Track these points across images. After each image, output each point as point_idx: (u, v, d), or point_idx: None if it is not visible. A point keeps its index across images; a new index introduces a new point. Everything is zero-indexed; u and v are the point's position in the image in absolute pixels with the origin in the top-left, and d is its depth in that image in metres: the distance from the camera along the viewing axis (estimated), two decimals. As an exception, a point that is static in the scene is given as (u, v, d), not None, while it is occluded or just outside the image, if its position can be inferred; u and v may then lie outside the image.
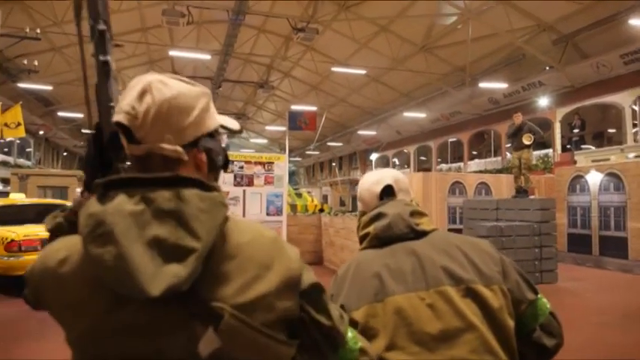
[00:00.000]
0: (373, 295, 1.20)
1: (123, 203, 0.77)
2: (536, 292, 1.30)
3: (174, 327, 0.74)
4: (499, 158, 19.87)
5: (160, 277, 0.71)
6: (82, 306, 0.77)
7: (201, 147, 0.88)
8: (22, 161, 27.10)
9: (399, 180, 1.45)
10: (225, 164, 0.95)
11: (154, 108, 0.83)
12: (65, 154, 36.54)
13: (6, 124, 7.51)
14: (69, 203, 7.18)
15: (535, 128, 9.79)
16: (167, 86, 0.85)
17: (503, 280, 1.25)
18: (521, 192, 9.81)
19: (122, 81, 26.03)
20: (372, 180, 1.46)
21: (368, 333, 1.15)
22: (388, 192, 1.41)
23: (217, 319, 0.74)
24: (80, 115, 26.50)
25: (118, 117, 0.84)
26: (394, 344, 1.14)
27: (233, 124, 0.99)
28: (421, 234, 1.30)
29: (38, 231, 7.47)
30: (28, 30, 11.19)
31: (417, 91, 23.22)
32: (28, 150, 29.87)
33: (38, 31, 11.77)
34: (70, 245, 0.83)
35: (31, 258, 7.04)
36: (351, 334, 1.00)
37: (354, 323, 1.15)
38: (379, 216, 1.33)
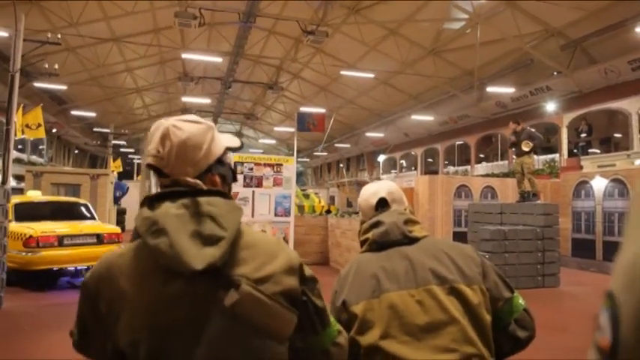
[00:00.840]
0: (371, 293, 1.42)
1: (168, 208, 1.05)
2: (512, 291, 1.52)
3: (207, 294, 1.01)
4: (506, 162, 19.95)
5: (201, 256, 0.99)
6: (141, 286, 1.03)
7: (214, 172, 1.16)
8: (34, 158, 27.54)
9: (392, 192, 1.67)
10: (234, 178, 1.26)
11: (174, 149, 1.10)
12: (76, 151, 37.05)
13: (27, 125, 7.79)
14: (82, 201, 7.45)
15: (535, 134, 9.91)
16: (181, 130, 1.11)
17: (483, 280, 1.46)
18: (530, 196, 9.91)
19: (134, 80, 26.44)
20: (369, 192, 1.69)
21: (366, 324, 1.38)
22: (383, 203, 1.64)
23: (237, 287, 1.01)
24: (92, 114, 26.93)
25: (149, 160, 1.12)
26: (388, 334, 1.35)
27: (234, 142, 1.29)
28: (414, 240, 1.52)
29: (55, 227, 7.73)
30: (49, 35, 11.49)
31: (425, 94, 23.36)
32: (40, 147, 30.36)
33: (59, 36, 12.04)
34: (116, 255, 1.12)
35: (48, 253, 7.32)
36: (332, 317, 1.23)
37: (354, 316, 1.40)
38: (377, 224, 1.56)
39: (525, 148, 9.76)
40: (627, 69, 14.27)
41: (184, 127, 1.12)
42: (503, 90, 17.97)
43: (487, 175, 17.88)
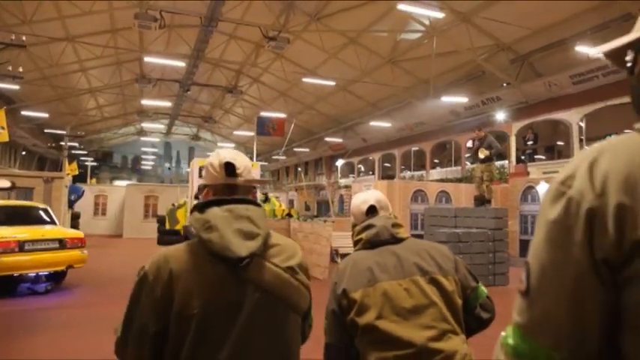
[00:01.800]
0: (367, 282, 1.76)
1: (216, 211, 1.39)
2: (477, 282, 1.94)
3: (247, 276, 1.36)
4: (459, 168, 20.86)
5: (244, 246, 1.34)
6: (194, 272, 1.35)
7: (254, 190, 1.61)
8: (-21, 160, 26.21)
9: (380, 200, 2.01)
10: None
11: (243, 163, 1.53)
12: (24, 153, 35.48)
13: (-11, 128, 7.56)
14: (41, 205, 7.43)
15: (494, 143, 10.28)
16: (242, 155, 1.57)
17: (455, 272, 1.85)
18: (483, 201, 10.29)
19: (88, 81, 25.69)
20: (360, 200, 2.03)
21: (363, 307, 1.72)
22: (372, 210, 1.97)
23: (269, 269, 1.41)
24: (44, 115, 25.93)
25: (228, 160, 1.49)
26: (381, 315, 1.70)
27: (259, 178, 1.76)
28: (400, 240, 1.88)
29: (14, 232, 7.56)
30: (13, 37, 11.11)
31: (383, 102, 24.06)
32: (-15, 148, 28.91)
33: (24, 38, 11.66)
34: (172, 249, 1.44)
35: (8, 259, 7.17)
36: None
37: (353, 301, 1.74)
38: (369, 226, 1.90)
39: (481, 155, 10.22)
40: (569, 83, 15.35)
41: (243, 157, 1.57)
42: (456, 99, 18.83)
43: (442, 180, 18.67)
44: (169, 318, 1.30)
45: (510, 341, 0.83)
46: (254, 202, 1.47)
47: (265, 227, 1.43)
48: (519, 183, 13.68)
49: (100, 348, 5.10)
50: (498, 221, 9.51)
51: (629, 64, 0.83)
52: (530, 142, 17.73)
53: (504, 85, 18.15)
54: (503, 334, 0.85)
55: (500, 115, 18.52)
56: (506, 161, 18.16)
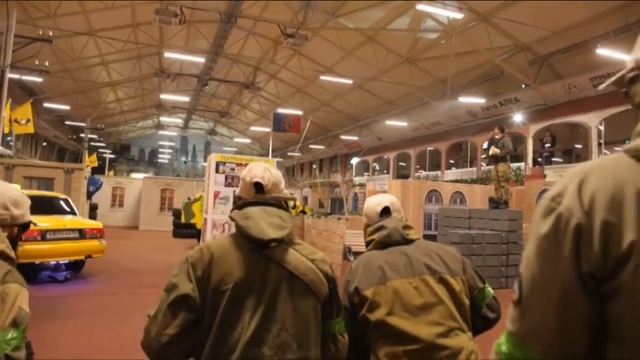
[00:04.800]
0: (378, 280, 1.85)
1: (253, 209, 1.63)
2: (484, 282, 2.01)
3: (276, 261, 1.58)
4: (474, 169, 20.72)
5: (273, 232, 1.57)
6: (231, 256, 1.57)
7: (283, 200, 1.75)
8: (1, 149, 26.82)
9: (393, 203, 2.12)
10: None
11: (272, 180, 1.72)
12: (45, 144, 36.15)
13: (16, 120, 7.76)
14: (62, 195, 7.61)
15: (507, 143, 10.20)
16: (272, 171, 1.76)
17: (463, 273, 1.93)
18: (498, 203, 10.18)
19: (108, 74, 26.08)
20: (375, 202, 2.13)
21: (374, 304, 1.82)
22: (386, 211, 2.07)
23: (295, 258, 1.62)
24: (65, 107, 26.41)
25: (257, 179, 1.70)
26: (392, 312, 1.79)
27: (284, 195, 1.82)
28: (410, 241, 1.97)
29: (37, 222, 7.75)
30: (40, 32, 11.37)
31: (399, 100, 24.01)
32: (8, 139, 29.53)
33: (50, 33, 11.92)
34: (215, 240, 1.73)
35: (30, 247, 7.39)
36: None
37: (365, 298, 1.84)
38: (381, 228, 2.00)
39: (490, 152, 10.18)
40: (589, 85, 15.15)
41: (273, 170, 1.76)
42: (474, 100, 18.72)
43: (456, 181, 18.57)
44: (207, 294, 1.52)
45: (504, 349, 0.88)
46: (284, 207, 1.71)
47: (292, 224, 1.66)
48: (535, 186, 13.58)
49: (118, 335, 5.26)
50: (512, 223, 9.47)
51: (623, 89, 0.92)
52: (547, 145, 17.55)
53: (522, 86, 17.99)
54: (497, 341, 0.90)
55: (518, 117, 18.36)
56: (523, 163, 18.00)
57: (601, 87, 1.07)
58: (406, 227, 1.99)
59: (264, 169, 1.72)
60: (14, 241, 1.81)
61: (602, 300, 0.79)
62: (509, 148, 10.17)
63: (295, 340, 1.53)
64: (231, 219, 1.65)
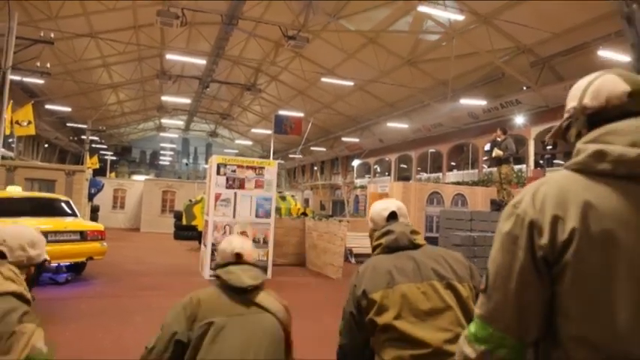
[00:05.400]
0: (386, 284, 1.82)
1: (233, 267, 2.10)
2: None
3: (250, 298, 2.00)
4: (476, 171, 20.71)
5: (250, 281, 2.04)
6: (217, 298, 2.01)
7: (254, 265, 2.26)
8: (4, 151, 26.84)
9: (400, 208, 2.12)
10: None
11: (248, 252, 2.17)
12: (46, 146, 36.20)
13: (17, 122, 7.76)
14: (64, 197, 7.59)
15: (510, 145, 10.12)
16: (247, 242, 2.24)
17: (471, 279, 1.90)
18: (500, 205, 10.11)
19: (109, 76, 26.12)
20: (381, 207, 2.12)
21: (382, 308, 1.79)
22: (393, 216, 2.08)
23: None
24: (67, 109, 26.45)
25: (237, 250, 2.14)
26: (399, 315, 1.77)
27: (255, 262, 2.26)
28: (417, 246, 1.96)
29: (38, 224, 7.74)
30: (42, 34, 11.38)
31: (400, 102, 24.01)
32: (10, 140, 29.57)
33: (52, 35, 11.93)
34: (202, 290, 2.10)
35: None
36: None
37: (372, 301, 1.81)
38: (389, 232, 1.98)
39: (493, 155, 10.14)
40: (591, 87, 15.12)
41: (249, 242, 2.23)
42: (475, 102, 18.71)
43: (458, 183, 18.55)
44: (193, 328, 1.88)
45: (472, 330, 1.08)
46: (256, 267, 2.15)
47: (263, 279, 2.10)
48: (537, 188, 13.52)
49: (119, 337, 5.24)
50: (514, 226, 9.40)
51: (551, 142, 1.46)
52: (549, 147, 17.53)
53: (524, 88, 17.98)
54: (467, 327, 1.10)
55: (520, 119, 18.35)
56: (524, 165, 17.97)
57: (547, 144, 1.35)
58: (413, 232, 1.99)
59: (242, 242, 2.19)
60: (32, 282, 1.91)
61: (552, 281, 1.00)
62: (513, 150, 10.09)
63: None
64: (216, 276, 2.05)
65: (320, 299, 7.93)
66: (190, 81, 27.12)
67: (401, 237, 1.95)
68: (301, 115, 22.19)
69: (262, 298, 2.02)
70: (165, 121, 40.14)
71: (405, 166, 28.89)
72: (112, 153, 41.92)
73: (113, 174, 33.16)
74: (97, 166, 24.45)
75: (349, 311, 1.87)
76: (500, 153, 9.83)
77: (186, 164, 53.33)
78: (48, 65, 15.53)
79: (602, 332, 0.94)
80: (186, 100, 29.47)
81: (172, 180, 26.66)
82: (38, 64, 14.70)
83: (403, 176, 27.22)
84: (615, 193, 0.98)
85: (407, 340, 1.73)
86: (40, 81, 19.21)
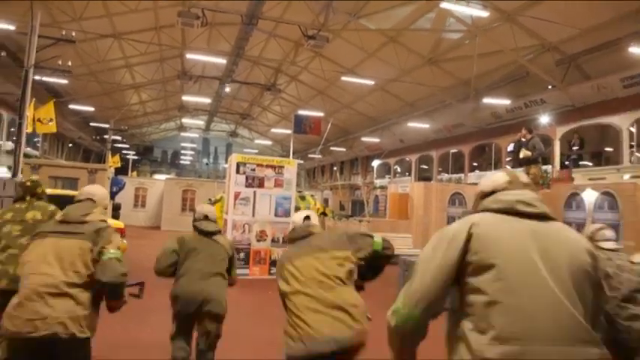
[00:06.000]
0: (286, 261, 2.76)
1: (203, 221, 4.14)
2: (372, 236, 2.82)
3: (213, 238, 3.96)
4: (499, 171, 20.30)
5: (212, 228, 4.07)
6: (193, 237, 4.03)
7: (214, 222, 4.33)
8: (29, 150, 27.43)
9: (311, 215, 3.09)
10: None
11: (211, 213, 4.23)
12: (70, 145, 36.88)
13: (39, 120, 7.85)
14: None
15: (538, 145, 9.81)
16: (211, 208, 4.33)
17: (350, 244, 2.72)
18: None
19: (132, 76, 26.45)
20: (300, 216, 3.07)
21: (285, 277, 2.67)
22: (307, 218, 3.03)
23: None
24: (90, 109, 26.86)
25: (204, 213, 4.09)
26: (291, 283, 2.65)
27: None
28: (311, 233, 2.89)
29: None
30: (64, 32, 11.55)
31: (421, 102, 23.69)
32: (35, 140, 30.21)
33: (74, 34, 12.10)
34: (186, 234, 4.09)
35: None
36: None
37: (289, 272, 2.68)
38: (293, 230, 2.99)
39: (521, 155, 9.82)
40: (619, 86, 14.66)
41: (212, 208, 4.21)
42: (498, 101, 18.32)
43: (480, 184, 18.17)
44: (182, 249, 3.81)
45: (398, 304, 1.56)
46: (214, 222, 4.06)
47: (219, 227, 4.05)
48: (563, 189, 13.13)
49: (136, 336, 5.20)
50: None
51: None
52: (575, 148, 17.05)
53: (549, 87, 17.53)
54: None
55: (544, 119, 17.90)
56: (550, 166, 17.52)
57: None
58: (310, 225, 2.97)
59: (208, 208, 4.13)
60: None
61: (459, 277, 1.53)
62: (541, 149, 9.75)
63: (212, 272, 3.74)
64: (194, 226, 3.94)
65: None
66: (211, 81, 27.26)
67: (298, 230, 2.94)
68: (321, 114, 22.10)
69: (217, 237, 3.92)
70: (186, 120, 40.46)
71: (425, 166, 28.53)
72: (134, 152, 42.47)
73: (135, 173, 33.58)
74: (119, 164, 24.75)
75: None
76: (529, 153, 9.52)
77: (207, 164, 53.73)
78: (69, 63, 15.70)
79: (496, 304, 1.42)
80: (207, 100, 29.59)
81: (193, 179, 26.89)
82: (60, 62, 14.89)
83: (424, 177, 26.87)
84: (501, 220, 1.58)
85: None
86: (64, 81, 19.53)
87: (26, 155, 23.44)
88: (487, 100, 18.13)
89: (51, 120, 7.90)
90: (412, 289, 1.54)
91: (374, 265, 2.77)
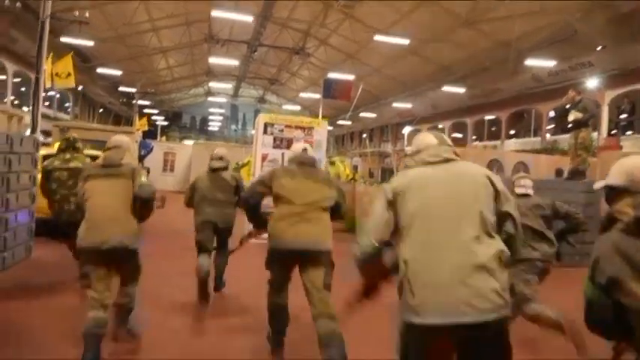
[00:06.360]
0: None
1: (213, 161, 5.29)
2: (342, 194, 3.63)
3: (218, 174, 5.21)
4: (539, 139, 19.27)
5: (219, 165, 5.24)
6: (205, 176, 5.30)
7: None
8: (61, 115, 27.73)
9: (308, 148, 3.82)
10: None
11: (221, 154, 5.47)
12: (101, 110, 37.21)
13: (57, 74, 7.55)
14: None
15: (590, 106, 8.95)
16: (223, 150, 5.54)
17: (335, 190, 3.51)
18: (576, 174, 9.11)
19: (159, 40, 26.09)
20: (298, 147, 3.79)
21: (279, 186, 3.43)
22: (305, 150, 3.73)
23: None
24: (118, 72, 26.75)
25: (217, 154, 5.42)
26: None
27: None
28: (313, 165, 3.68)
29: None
30: None
31: (457, 65, 22.57)
32: (66, 105, 30.51)
33: None
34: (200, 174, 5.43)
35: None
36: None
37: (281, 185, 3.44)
38: (293, 155, 3.74)
39: (570, 117, 9.02)
40: (679, 45, 13.45)
41: (224, 150, 5.47)
42: (541, 63, 17.11)
43: (521, 151, 17.29)
44: (196, 186, 5.16)
45: (363, 239, 2.04)
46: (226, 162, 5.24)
47: (228, 163, 5.28)
48: (610, 157, 12.25)
49: (157, 297, 4.95)
50: (590, 196, 8.41)
51: None
52: (624, 115, 15.90)
53: (598, 48, 16.26)
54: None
55: (592, 82, 16.71)
56: (596, 133, 16.48)
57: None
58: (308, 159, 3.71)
59: (220, 149, 5.29)
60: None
61: (395, 213, 2.01)
62: (593, 111, 8.88)
63: (223, 202, 5.03)
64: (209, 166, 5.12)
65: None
66: (239, 45, 26.68)
67: (299, 157, 3.61)
68: (351, 78, 21.30)
69: (224, 173, 5.03)
70: (213, 84, 40.11)
71: (459, 135, 27.52)
72: (163, 118, 42.66)
73: (164, 138, 33.67)
74: (146, 127, 24.68)
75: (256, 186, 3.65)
76: (580, 115, 8.71)
77: (235, 130, 53.75)
78: (87, 14, 15.33)
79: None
80: (234, 62, 28.87)
81: (220, 143, 26.74)
82: (77, 13, 14.55)
83: (457, 145, 25.97)
84: (419, 172, 2.09)
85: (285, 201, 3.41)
86: (89, 42, 19.24)
87: (57, 119, 23.67)
88: (530, 62, 16.92)
89: (69, 74, 7.58)
90: (367, 230, 2.06)
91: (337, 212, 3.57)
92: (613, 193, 1.86)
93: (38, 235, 7.50)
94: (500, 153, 14.80)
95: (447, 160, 2.06)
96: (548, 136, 18.04)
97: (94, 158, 8.87)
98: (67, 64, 7.79)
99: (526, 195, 4.41)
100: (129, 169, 3.61)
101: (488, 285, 1.76)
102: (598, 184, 2.08)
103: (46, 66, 7.06)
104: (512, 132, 22.86)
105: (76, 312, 4.22)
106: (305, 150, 3.71)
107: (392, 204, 1.98)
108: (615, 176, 1.89)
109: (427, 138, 2.21)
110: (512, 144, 21.09)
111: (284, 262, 3.39)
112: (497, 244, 1.86)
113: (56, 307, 4.55)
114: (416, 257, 1.85)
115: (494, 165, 13.91)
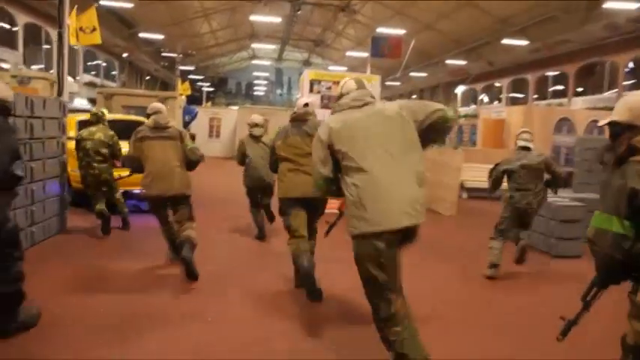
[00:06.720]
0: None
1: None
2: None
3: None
4: (614, 95, 17.35)
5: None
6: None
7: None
8: (107, 83, 27.94)
9: (312, 103, 4.26)
10: None
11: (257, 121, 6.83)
12: (148, 78, 37.42)
13: (81, 29, 7.03)
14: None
15: None
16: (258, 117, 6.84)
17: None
18: None
19: (200, 3, 25.38)
20: (300, 103, 4.22)
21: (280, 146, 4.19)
22: (306, 105, 4.15)
23: None
24: (160, 37, 26.42)
25: (254, 121, 6.68)
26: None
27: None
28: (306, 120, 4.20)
29: (125, 147, 7.11)
30: None
31: (516, 18, 20.61)
32: (113, 73, 30.74)
33: None
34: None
35: (118, 174, 6.72)
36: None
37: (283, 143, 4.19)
38: (294, 113, 4.24)
39: None
40: None
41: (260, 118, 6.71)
42: (622, 5, 14.95)
43: (593, 108, 15.62)
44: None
45: (316, 168, 2.63)
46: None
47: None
48: None
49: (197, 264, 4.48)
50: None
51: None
52: None
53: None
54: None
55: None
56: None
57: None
58: (306, 113, 4.12)
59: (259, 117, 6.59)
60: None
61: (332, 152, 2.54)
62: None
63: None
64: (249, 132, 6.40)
65: (438, 237, 6.70)
66: (282, 4, 25.61)
67: (299, 114, 4.09)
68: (401, 32, 19.93)
69: (264, 139, 6.33)
70: (257, 45, 39.18)
71: (518, 94, 25.54)
72: (208, 84, 42.52)
73: (209, 104, 33.50)
74: (189, 92, 24.30)
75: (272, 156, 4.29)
76: None
77: (280, 94, 53.27)
78: None
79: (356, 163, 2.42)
80: (277, 19, 27.81)
81: (265, 107, 26.17)
82: None
83: (516, 104, 24.15)
84: (345, 115, 2.58)
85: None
86: (129, 4, 18.79)
87: (104, 87, 23.75)
88: (609, 4, 14.77)
89: (94, 29, 7.02)
90: (314, 168, 2.64)
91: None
92: (618, 129, 1.96)
93: (76, 206, 7.15)
94: (570, 111, 13.36)
95: (367, 104, 2.59)
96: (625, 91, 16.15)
97: (131, 123, 8.39)
98: (91, 16, 7.23)
99: (526, 148, 5.06)
100: (176, 131, 4.57)
101: (415, 197, 2.39)
102: (603, 121, 2.09)
103: (70, 21, 6.52)
104: (579, 89, 20.85)
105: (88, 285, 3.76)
106: (306, 105, 4.08)
107: (329, 145, 2.52)
108: (620, 112, 1.98)
109: (348, 84, 2.71)
110: (579, 102, 19.20)
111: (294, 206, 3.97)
112: (418, 166, 2.43)
113: (69, 283, 4.09)
114: (362, 181, 2.37)
115: (563, 124, 12.56)
